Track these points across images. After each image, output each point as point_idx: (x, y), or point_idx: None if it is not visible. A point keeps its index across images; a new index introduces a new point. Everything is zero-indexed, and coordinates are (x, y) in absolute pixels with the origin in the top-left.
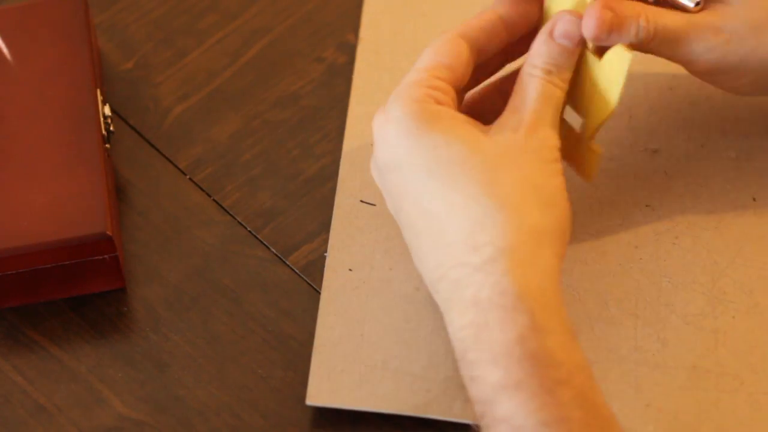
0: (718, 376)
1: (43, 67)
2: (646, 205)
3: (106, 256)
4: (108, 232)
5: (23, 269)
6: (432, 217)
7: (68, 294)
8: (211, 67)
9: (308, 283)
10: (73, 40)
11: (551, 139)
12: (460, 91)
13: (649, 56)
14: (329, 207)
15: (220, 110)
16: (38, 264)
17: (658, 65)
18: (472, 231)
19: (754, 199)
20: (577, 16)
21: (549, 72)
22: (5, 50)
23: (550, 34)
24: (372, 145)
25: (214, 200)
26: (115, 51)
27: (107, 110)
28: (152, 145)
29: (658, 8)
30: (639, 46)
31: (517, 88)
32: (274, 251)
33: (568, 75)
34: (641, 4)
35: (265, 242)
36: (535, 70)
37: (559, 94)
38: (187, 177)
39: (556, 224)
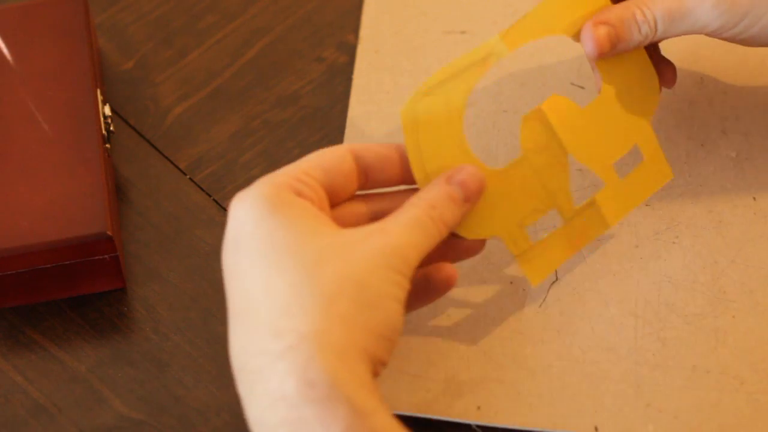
0: (718, 376)
1: (43, 67)
2: (646, 205)
3: (106, 256)
4: (108, 232)
5: (23, 269)
6: (250, 299)
7: (68, 294)
8: (211, 67)
9: None
10: (73, 40)
11: (405, 253)
12: (342, 201)
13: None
14: None
15: (220, 110)
16: (38, 264)
17: None
18: (278, 316)
19: (754, 199)
20: (479, 173)
21: (432, 207)
22: (5, 50)
23: (448, 178)
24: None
25: (214, 200)
26: (115, 51)
27: (107, 110)
28: (152, 145)
29: None
30: (650, 39)
31: (396, 211)
32: None
33: (450, 219)
34: (630, 1)
35: None
36: (420, 202)
37: (434, 228)
38: (187, 177)
39: (373, 324)
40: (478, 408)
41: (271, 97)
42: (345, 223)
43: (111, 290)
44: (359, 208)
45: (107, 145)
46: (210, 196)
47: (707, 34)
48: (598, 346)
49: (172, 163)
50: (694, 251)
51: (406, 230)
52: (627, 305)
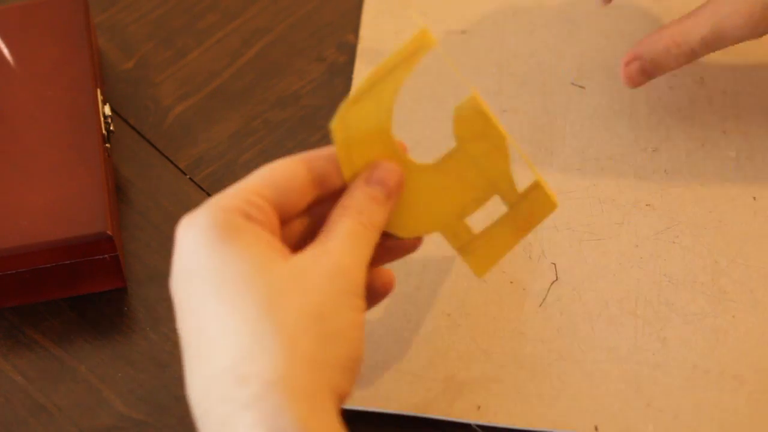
0: (718, 376)
1: (43, 67)
2: (646, 205)
3: (106, 256)
4: (108, 232)
5: (23, 269)
6: (206, 338)
7: (68, 294)
8: (211, 67)
9: None
10: (73, 40)
11: (354, 273)
12: (294, 216)
13: None
14: None
15: (220, 110)
16: (38, 264)
17: None
18: (240, 359)
19: (754, 199)
20: (393, 166)
21: (360, 213)
22: (5, 50)
23: (366, 179)
24: None
25: None
26: (115, 51)
27: (107, 110)
28: (152, 145)
29: (682, 23)
30: (685, 63)
31: (327, 222)
32: None
33: (378, 221)
34: (665, 31)
35: None
36: (346, 210)
37: (368, 235)
38: (187, 177)
39: (337, 358)
40: (478, 408)
41: (271, 97)
42: (292, 239)
43: (111, 290)
44: (304, 220)
45: (107, 145)
46: (210, 196)
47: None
48: (598, 346)
49: (172, 163)
50: (694, 251)
51: (347, 247)
52: (627, 305)
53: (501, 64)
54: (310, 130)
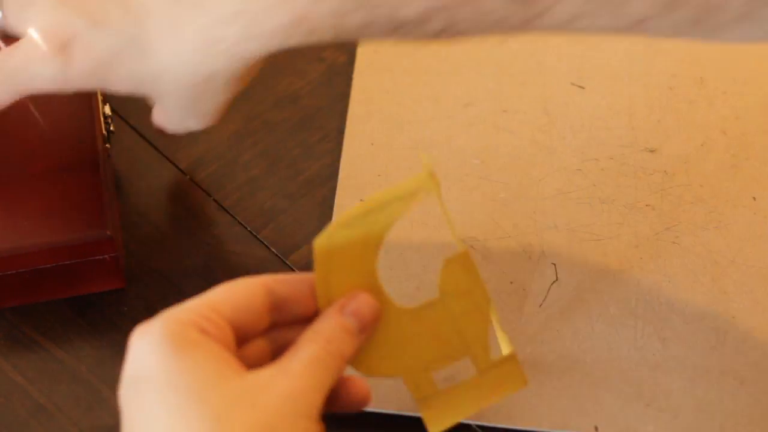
0: (718, 376)
1: None
2: (646, 205)
3: (106, 256)
4: (108, 232)
5: (23, 269)
6: None
7: (69, 294)
8: None
9: None
10: None
11: (310, 397)
12: (252, 337)
13: (648, 55)
14: (329, 207)
15: None
16: (38, 264)
17: (658, 65)
18: None
19: (754, 199)
20: (371, 300)
21: (329, 342)
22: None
23: (341, 308)
24: (372, 144)
25: (214, 200)
26: None
27: (107, 110)
28: (152, 145)
29: None
30: None
31: (294, 345)
32: (274, 251)
33: (347, 352)
34: None
35: (265, 242)
36: (316, 336)
37: (333, 364)
38: (187, 177)
39: None
40: None
41: (271, 97)
42: (249, 360)
43: (111, 290)
44: (261, 343)
45: (107, 145)
46: (210, 196)
47: None
48: (598, 346)
49: (172, 163)
50: (694, 251)
51: (308, 371)
52: (627, 305)
53: (501, 64)
54: (310, 131)
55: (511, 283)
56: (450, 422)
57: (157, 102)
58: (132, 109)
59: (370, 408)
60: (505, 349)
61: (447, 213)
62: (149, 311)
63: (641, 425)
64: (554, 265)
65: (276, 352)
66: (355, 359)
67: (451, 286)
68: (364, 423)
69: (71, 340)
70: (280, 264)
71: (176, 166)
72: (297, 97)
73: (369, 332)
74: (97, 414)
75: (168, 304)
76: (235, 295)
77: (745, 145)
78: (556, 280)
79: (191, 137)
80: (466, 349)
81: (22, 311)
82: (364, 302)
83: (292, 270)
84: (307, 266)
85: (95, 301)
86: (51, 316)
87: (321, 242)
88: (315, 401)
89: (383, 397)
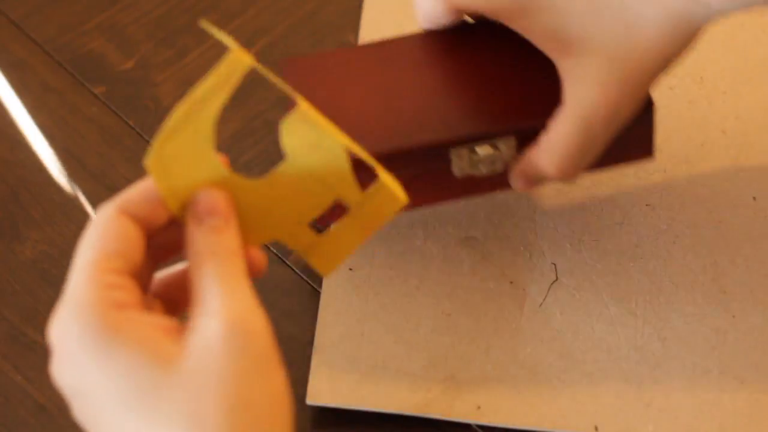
0: (718, 376)
1: None
2: (646, 205)
3: None
4: None
5: None
6: None
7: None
8: (211, 67)
9: (308, 283)
10: None
11: (253, 324)
12: (140, 276)
13: None
14: None
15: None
16: None
17: None
18: None
19: (754, 199)
20: (212, 192)
21: (213, 252)
22: None
23: (196, 218)
24: None
25: None
26: (115, 51)
27: None
28: None
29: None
30: None
31: (192, 285)
32: (274, 251)
33: (233, 244)
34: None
35: None
36: (201, 258)
37: (236, 265)
38: None
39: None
40: (478, 408)
41: (271, 96)
42: (168, 294)
43: None
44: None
45: None
46: None
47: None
48: (598, 346)
49: None
50: (694, 251)
51: (228, 302)
52: (627, 305)
53: None
54: None
55: (511, 283)
56: (338, 261)
57: None
58: (132, 109)
59: (370, 408)
60: (379, 174)
61: (274, 77)
62: None
63: (641, 425)
64: (554, 265)
65: (162, 251)
66: None
67: (297, 144)
68: (364, 423)
69: None
70: (280, 264)
71: None
72: None
73: (234, 216)
74: None
75: None
76: (113, 241)
77: (745, 145)
78: (556, 280)
79: None
80: (332, 192)
81: (22, 311)
82: (209, 198)
83: (293, 270)
84: (306, 266)
85: None
86: (51, 316)
87: (151, 160)
88: (258, 325)
89: (383, 397)
